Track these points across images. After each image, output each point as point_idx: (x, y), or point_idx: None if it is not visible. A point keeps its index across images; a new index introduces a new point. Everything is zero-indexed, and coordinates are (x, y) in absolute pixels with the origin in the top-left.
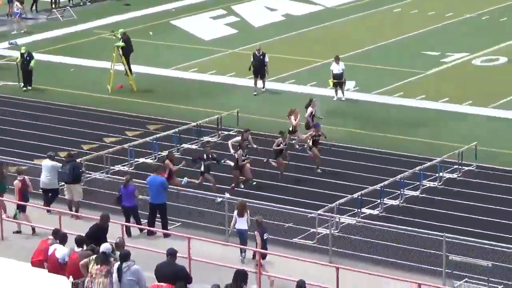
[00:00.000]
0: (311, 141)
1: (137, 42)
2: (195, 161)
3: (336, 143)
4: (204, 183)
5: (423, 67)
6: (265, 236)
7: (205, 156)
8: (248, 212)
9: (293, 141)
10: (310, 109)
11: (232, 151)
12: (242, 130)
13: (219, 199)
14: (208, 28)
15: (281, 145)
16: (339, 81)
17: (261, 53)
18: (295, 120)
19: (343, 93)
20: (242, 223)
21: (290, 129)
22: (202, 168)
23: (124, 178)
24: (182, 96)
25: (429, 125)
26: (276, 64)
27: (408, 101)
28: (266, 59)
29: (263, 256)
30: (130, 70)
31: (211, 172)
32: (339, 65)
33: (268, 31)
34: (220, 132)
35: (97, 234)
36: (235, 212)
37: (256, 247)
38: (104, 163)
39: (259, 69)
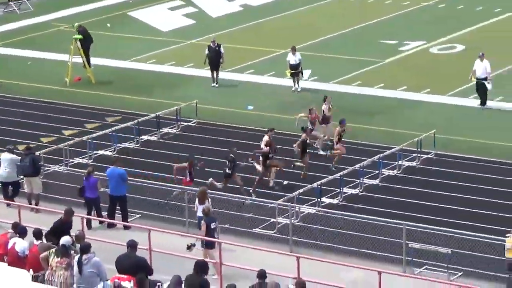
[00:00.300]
0: (337, 138)
1: (95, 34)
2: (230, 163)
3: (295, 132)
4: (228, 184)
5: (381, 55)
6: (213, 225)
7: (232, 155)
8: (209, 199)
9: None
10: (324, 106)
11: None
12: (267, 129)
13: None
14: (166, 19)
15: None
16: (296, 72)
17: (216, 44)
18: (314, 118)
19: (298, 83)
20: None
21: (310, 127)
22: (228, 170)
23: (86, 170)
24: (140, 88)
25: (388, 113)
26: (234, 55)
27: (367, 90)
28: (222, 50)
29: (210, 245)
30: (89, 62)
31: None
32: (295, 56)
33: (226, 21)
34: (179, 123)
35: (61, 229)
36: (196, 200)
37: (199, 235)
38: (63, 155)
39: (215, 61)
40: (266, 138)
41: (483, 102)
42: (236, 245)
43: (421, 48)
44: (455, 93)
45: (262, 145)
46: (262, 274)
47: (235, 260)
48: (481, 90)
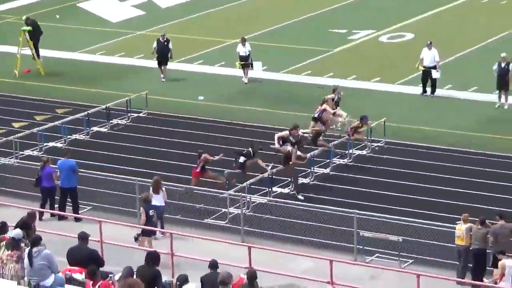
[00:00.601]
0: (351, 132)
1: (44, 25)
2: (238, 155)
3: (245, 122)
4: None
5: (330, 45)
6: (151, 212)
7: (251, 152)
8: (164, 189)
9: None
10: (331, 96)
11: (277, 145)
12: (291, 126)
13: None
14: (115, 10)
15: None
16: (246, 63)
17: (165, 39)
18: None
19: (247, 75)
20: (158, 200)
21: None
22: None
23: (42, 160)
24: (90, 79)
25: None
26: (184, 45)
27: (316, 80)
28: (170, 45)
29: (148, 233)
30: (38, 54)
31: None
32: (245, 47)
33: (176, 11)
34: (129, 114)
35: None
36: (151, 189)
37: (139, 223)
38: (13, 148)
39: (163, 55)
40: (285, 132)
41: (432, 91)
42: (187, 235)
43: (371, 37)
44: (405, 81)
45: (276, 142)
46: (213, 264)
47: (187, 251)
48: (429, 78)
